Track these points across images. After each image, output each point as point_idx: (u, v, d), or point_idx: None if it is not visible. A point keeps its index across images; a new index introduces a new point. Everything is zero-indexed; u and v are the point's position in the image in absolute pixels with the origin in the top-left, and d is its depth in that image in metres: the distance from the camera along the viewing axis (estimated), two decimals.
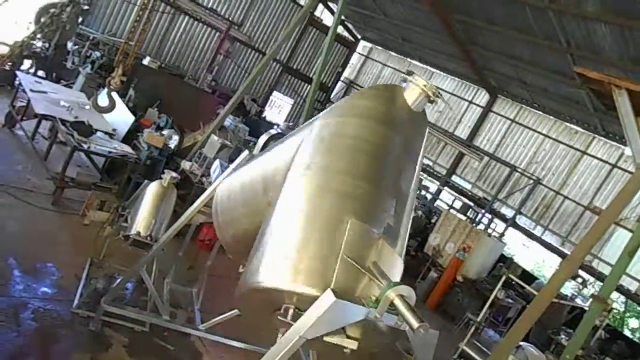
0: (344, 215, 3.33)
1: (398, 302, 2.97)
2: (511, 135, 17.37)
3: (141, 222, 6.17)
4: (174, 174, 6.52)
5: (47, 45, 13.06)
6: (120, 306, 6.27)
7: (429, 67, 20.38)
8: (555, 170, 16.01)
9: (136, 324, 6.36)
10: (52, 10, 12.99)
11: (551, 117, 16.25)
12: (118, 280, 6.79)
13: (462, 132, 18.74)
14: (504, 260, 15.00)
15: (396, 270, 3.42)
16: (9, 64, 12.17)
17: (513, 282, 13.79)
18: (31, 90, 9.54)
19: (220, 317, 6.78)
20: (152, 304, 6.66)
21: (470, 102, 18.77)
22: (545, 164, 16.29)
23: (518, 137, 17.18)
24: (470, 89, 18.89)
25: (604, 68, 9.45)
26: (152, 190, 6.41)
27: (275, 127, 12.42)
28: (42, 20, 12.99)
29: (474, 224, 15.69)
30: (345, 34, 22.54)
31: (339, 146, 3.78)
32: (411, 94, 4.00)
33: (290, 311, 3.17)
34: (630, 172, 14.11)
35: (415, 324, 2.84)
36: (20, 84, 10.21)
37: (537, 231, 16.14)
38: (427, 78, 20.15)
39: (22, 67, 12.37)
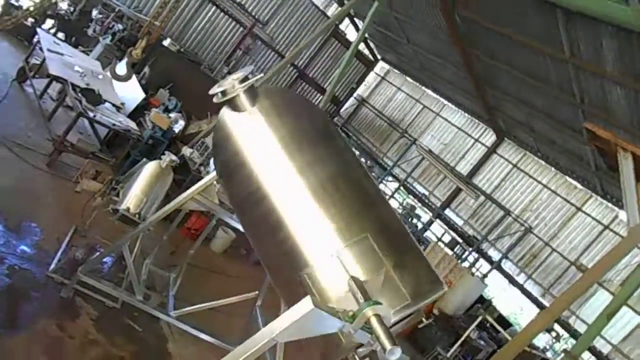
0: None
1: (374, 321, 2.97)
2: (511, 180, 17.43)
3: (132, 198, 6.14)
4: (174, 157, 6.52)
5: (72, 9, 13.10)
6: (96, 278, 6.23)
7: (441, 99, 20.50)
8: (548, 222, 16.04)
9: (108, 298, 6.30)
10: None
11: (553, 169, 16.32)
12: (99, 253, 6.77)
13: (464, 168, 18.79)
14: (483, 301, 14.98)
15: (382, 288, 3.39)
16: (32, 20, 12.17)
17: (488, 325, 13.81)
18: (48, 50, 9.53)
19: (194, 307, 6.76)
20: (128, 283, 6.60)
21: (477, 140, 18.85)
22: (539, 213, 16.33)
23: (517, 182, 17.23)
24: (479, 127, 18.98)
25: (613, 129, 9.52)
26: (149, 169, 6.39)
27: None
28: None
29: (460, 260, 15.69)
30: (366, 51, 22.67)
31: None
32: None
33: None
34: (621, 236, 14.17)
35: (388, 345, 2.84)
36: (38, 41, 10.20)
37: (520, 278, 16.15)
38: (438, 110, 20.35)
39: (44, 26, 12.37)
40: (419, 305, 3.25)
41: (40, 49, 9.86)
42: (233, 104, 4.00)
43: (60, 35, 12.77)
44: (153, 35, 10.10)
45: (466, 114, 19.40)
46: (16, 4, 12.16)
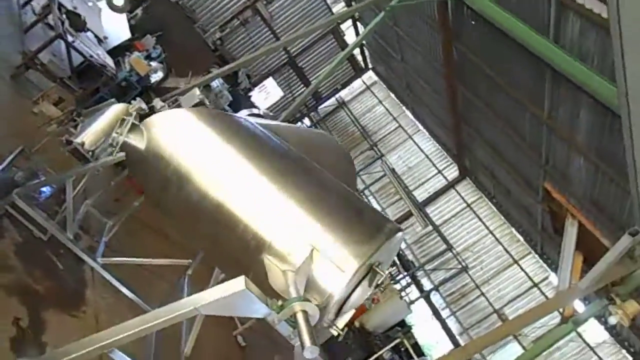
0: None
1: (300, 317, 2.97)
2: (461, 217, 17.86)
3: (91, 135, 5.93)
4: (144, 106, 6.33)
5: None
6: (30, 205, 5.98)
7: (417, 123, 20.80)
8: (485, 266, 16.55)
9: (37, 228, 6.08)
10: None
11: (502, 218, 16.84)
12: (40, 180, 6.51)
13: (421, 194, 19.13)
14: (404, 326, 15.26)
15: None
16: None
17: (403, 349, 14.11)
18: None
19: (122, 259, 6.61)
20: (62, 218, 6.38)
21: (440, 171, 19.23)
22: (479, 256, 16.82)
23: (467, 221, 17.69)
24: (445, 160, 19.37)
25: (567, 195, 9.90)
26: (115, 110, 6.19)
27: (257, 109, 12.33)
28: None
29: (392, 281, 15.96)
30: (359, 57, 22.74)
31: None
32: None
33: None
34: (546, 297, 14.79)
35: (307, 342, 2.84)
36: None
37: (445, 313, 16.57)
38: (412, 132, 20.64)
39: None
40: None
41: None
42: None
43: None
44: None
45: (436, 144, 19.75)
46: None
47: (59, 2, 8.52)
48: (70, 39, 8.20)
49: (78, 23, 8.45)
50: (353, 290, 3.41)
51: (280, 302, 3.06)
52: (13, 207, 5.83)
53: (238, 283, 2.90)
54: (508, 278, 16.08)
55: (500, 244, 16.64)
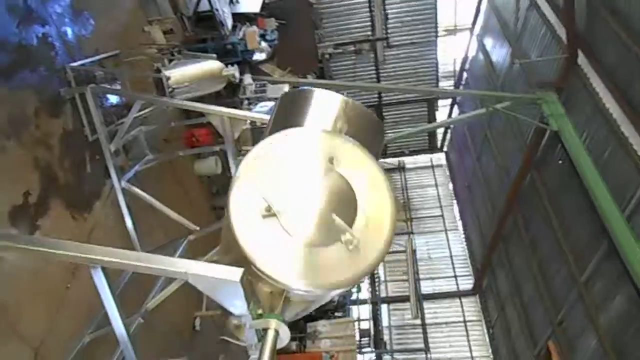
0: None
1: (270, 335, 2.92)
2: (452, 329, 17.35)
3: (179, 74, 6.18)
4: (237, 74, 6.54)
5: None
6: (96, 103, 6.22)
7: (459, 222, 20.56)
8: None
9: (89, 127, 6.30)
10: None
11: (489, 351, 16.26)
12: (118, 85, 6.74)
13: (426, 287, 18.75)
14: None
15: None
16: None
17: None
18: None
19: (144, 194, 6.73)
20: (114, 130, 6.63)
21: (455, 277, 18.87)
22: None
23: (455, 335, 17.17)
24: (466, 268, 19.00)
25: None
26: (211, 64, 6.44)
27: None
28: None
29: (358, 350, 15.61)
30: (439, 135, 22.78)
31: None
32: None
33: None
34: None
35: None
36: None
37: None
38: (449, 226, 20.38)
39: None
40: None
41: None
42: None
43: None
44: None
45: (466, 251, 19.41)
46: None
47: None
48: None
49: None
50: None
51: (260, 311, 3.04)
52: (81, 98, 6.08)
53: (235, 273, 2.88)
54: None
55: None
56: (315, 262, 2.80)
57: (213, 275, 2.87)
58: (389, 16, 18.83)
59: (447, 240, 20.17)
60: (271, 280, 2.77)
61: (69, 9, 6.29)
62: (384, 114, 21.75)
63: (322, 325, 14.85)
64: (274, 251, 2.76)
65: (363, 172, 3.10)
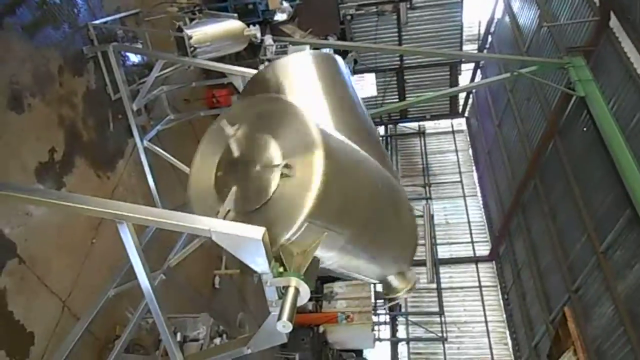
0: None
1: (290, 292, 2.99)
2: (467, 293, 17.55)
3: (201, 34, 6.14)
4: (259, 35, 6.47)
5: None
6: (118, 62, 6.23)
7: (478, 188, 20.44)
8: (462, 349, 16.27)
9: (111, 86, 6.33)
10: None
11: (503, 316, 16.41)
12: (140, 43, 6.75)
13: (443, 252, 18.88)
14: (359, 355, 15.16)
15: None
16: None
17: None
18: None
19: (164, 153, 6.79)
20: (136, 89, 6.66)
21: (472, 243, 18.89)
22: (462, 336, 16.52)
23: (470, 300, 17.37)
24: (483, 234, 19.00)
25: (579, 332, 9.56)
26: (232, 24, 6.38)
27: None
28: None
29: (373, 311, 15.90)
30: (461, 100, 22.43)
31: None
32: None
33: None
34: None
35: (285, 317, 2.86)
36: None
37: None
38: (469, 192, 20.28)
39: None
40: None
41: None
42: None
43: None
44: None
45: (484, 217, 19.36)
46: None
47: None
48: None
49: None
50: None
51: (281, 269, 3.10)
52: (103, 56, 6.10)
53: (257, 231, 2.93)
54: None
55: (488, 338, 16.24)
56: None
57: (236, 233, 2.92)
58: None
59: (466, 206, 20.12)
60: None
61: None
62: (405, 77, 21.43)
63: (338, 287, 15.11)
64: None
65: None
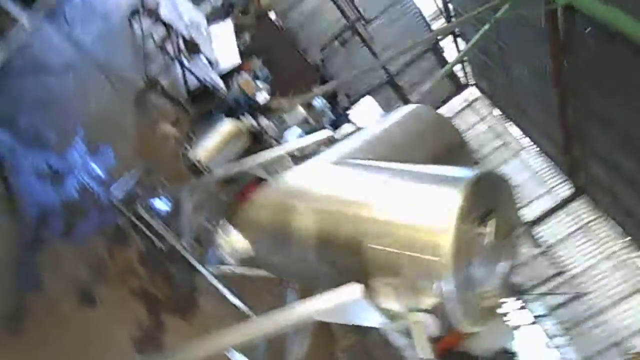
0: None
1: (417, 327, 2.88)
2: (576, 239, 16.58)
3: (204, 151, 6.31)
4: (254, 122, 6.64)
5: None
6: (152, 215, 6.45)
7: (524, 139, 19.79)
8: (605, 292, 15.22)
9: (157, 238, 6.52)
10: None
11: (624, 240, 15.34)
12: (160, 192, 6.99)
13: (528, 214, 18.08)
14: (509, 352, 14.34)
15: None
16: None
17: None
18: None
19: (231, 267, 6.84)
20: (178, 229, 6.81)
21: (550, 189, 18.08)
22: (597, 281, 15.48)
23: (582, 243, 16.39)
24: (556, 177, 18.16)
25: None
26: (227, 127, 6.54)
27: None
28: None
29: None
30: (460, 73, 22.20)
31: None
32: None
33: None
34: None
35: (425, 355, 2.75)
36: None
37: (557, 342, 15.36)
38: (518, 149, 19.66)
39: None
40: None
41: None
42: None
43: None
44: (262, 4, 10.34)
45: (546, 161, 18.61)
46: None
47: (177, 30, 9.19)
48: (186, 63, 8.80)
49: (193, 48, 9.06)
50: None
51: (392, 310, 2.99)
52: (137, 217, 6.32)
53: (353, 291, 2.87)
54: (634, 307, 14.58)
55: (623, 268, 15.19)
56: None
57: (335, 303, 2.87)
58: None
59: (522, 162, 19.48)
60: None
61: (84, 151, 6.59)
62: (399, 83, 21.50)
63: None
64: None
65: None
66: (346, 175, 3.51)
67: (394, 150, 3.76)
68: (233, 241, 5.18)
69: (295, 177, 4.07)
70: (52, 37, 7.64)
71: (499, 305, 3.04)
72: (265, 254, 4.30)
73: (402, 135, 4.01)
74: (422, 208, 2.81)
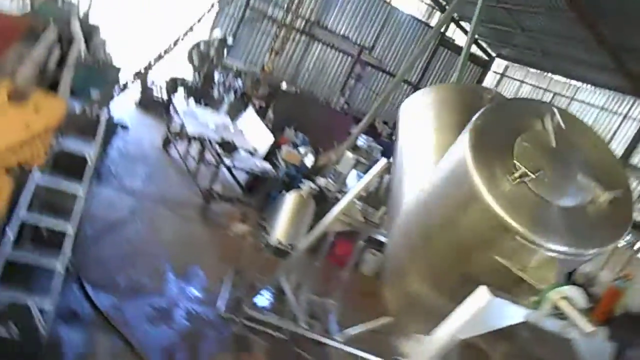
0: None
1: (564, 305, 2.65)
2: None
3: (281, 231, 6.34)
4: (313, 185, 6.67)
5: (197, 76, 14.36)
6: (261, 312, 6.48)
7: (573, 82, 18.86)
8: None
9: (276, 331, 6.51)
10: (202, 47, 14.28)
11: None
12: (259, 288, 7.04)
13: (616, 149, 16.88)
14: None
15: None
16: (165, 97, 13.71)
17: None
18: (184, 113, 10.51)
19: (357, 328, 6.69)
20: (291, 313, 6.79)
21: (625, 115, 16.91)
22: None
23: None
24: (625, 101, 17.03)
25: None
26: (291, 200, 6.57)
27: None
28: (194, 56, 14.38)
29: (636, 251, 13.93)
30: (479, 52, 21.81)
31: None
32: None
33: None
34: None
35: (587, 328, 2.50)
36: (175, 110, 11.27)
37: None
38: (572, 94, 18.71)
39: (176, 96, 13.67)
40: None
41: (177, 114, 10.90)
42: None
43: (191, 101, 13.98)
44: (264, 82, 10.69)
45: (606, 91, 17.57)
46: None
47: (209, 139, 9.59)
48: (228, 162, 9.10)
49: (229, 147, 9.39)
50: None
51: (533, 298, 2.78)
52: (249, 319, 6.35)
53: (482, 295, 2.70)
54: None
55: None
56: (573, 224, 2.74)
57: (472, 313, 2.69)
58: (346, 34, 19.12)
59: (583, 102, 18.54)
60: (535, 246, 2.65)
61: (177, 281, 6.83)
62: (426, 82, 21.29)
63: (584, 266, 13.56)
64: (534, 216, 2.69)
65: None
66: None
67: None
68: None
69: None
70: (108, 195, 8.18)
71: None
72: None
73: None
74: None
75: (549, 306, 2.71)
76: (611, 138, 17.17)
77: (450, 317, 2.79)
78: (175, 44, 4.22)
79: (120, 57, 8.98)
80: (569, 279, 13.42)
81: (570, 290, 2.72)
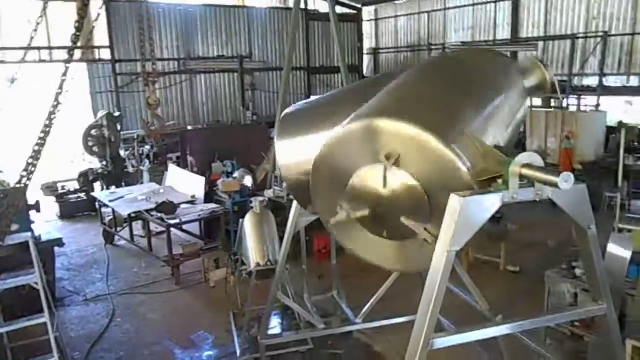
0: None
1: (527, 171, 2.72)
2: (554, 7, 16.18)
3: (255, 253, 6.23)
4: (261, 198, 6.59)
5: (104, 161, 13.82)
6: (278, 335, 6.36)
7: None
8: (619, 14, 14.65)
9: (300, 345, 6.41)
10: (94, 132, 13.72)
11: None
12: (263, 317, 6.90)
13: (502, 33, 17.75)
14: (614, 130, 13.83)
15: None
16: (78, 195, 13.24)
17: (636, 144, 12.85)
18: (110, 201, 10.13)
19: (370, 304, 6.68)
20: (304, 322, 6.71)
21: (496, 1, 17.78)
22: (604, 14, 14.95)
23: (561, 4, 15.97)
24: None
25: None
26: (249, 221, 6.47)
27: None
28: (90, 144, 13.80)
29: (564, 110, 14.71)
30: (346, 10, 22.23)
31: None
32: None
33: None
34: None
35: (555, 179, 2.57)
36: (101, 203, 10.83)
37: (634, 82, 14.77)
38: (444, 5, 19.39)
39: (95, 190, 13.15)
40: None
41: (105, 206, 10.49)
42: None
43: (112, 188, 13.46)
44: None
45: None
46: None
47: (145, 210, 9.28)
48: (176, 221, 8.86)
49: (169, 208, 9.11)
50: None
51: (499, 181, 2.84)
52: (270, 349, 6.22)
53: (453, 201, 2.74)
54: None
55: None
56: None
57: (455, 221, 2.71)
58: (221, 54, 18.98)
59: (456, 6, 19.22)
60: None
61: (185, 350, 6.62)
62: (318, 65, 21.50)
63: (531, 144, 14.19)
64: None
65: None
66: None
67: None
68: None
69: None
70: (78, 313, 7.78)
71: None
72: None
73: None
74: None
75: (516, 179, 2.78)
76: (494, 25, 18.01)
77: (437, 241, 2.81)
78: (48, 127, 4.01)
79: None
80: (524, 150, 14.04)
81: (525, 157, 2.80)
